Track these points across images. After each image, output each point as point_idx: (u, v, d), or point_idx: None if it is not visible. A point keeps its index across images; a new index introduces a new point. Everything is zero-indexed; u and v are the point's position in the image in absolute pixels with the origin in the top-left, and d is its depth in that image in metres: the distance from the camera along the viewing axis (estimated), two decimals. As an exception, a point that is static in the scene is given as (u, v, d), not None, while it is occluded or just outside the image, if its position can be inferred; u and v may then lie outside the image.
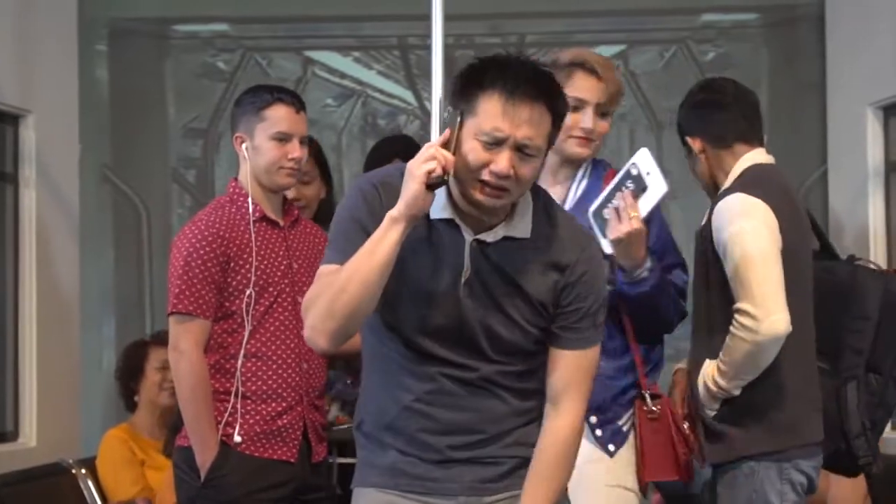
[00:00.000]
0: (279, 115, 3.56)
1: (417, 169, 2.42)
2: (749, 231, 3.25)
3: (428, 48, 3.88)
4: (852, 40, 5.62)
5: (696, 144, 3.51)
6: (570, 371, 2.61)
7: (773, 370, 3.25)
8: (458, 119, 2.49)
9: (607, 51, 6.26)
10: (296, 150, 3.55)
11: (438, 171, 2.42)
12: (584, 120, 3.31)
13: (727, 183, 3.42)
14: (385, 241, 2.44)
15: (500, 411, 2.59)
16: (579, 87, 3.31)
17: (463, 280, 2.54)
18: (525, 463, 2.62)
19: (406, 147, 4.35)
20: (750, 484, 3.27)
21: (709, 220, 3.39)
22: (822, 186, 5.91)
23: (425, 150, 2.44)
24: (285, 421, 3.49)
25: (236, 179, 3.63)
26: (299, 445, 3.51)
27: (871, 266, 3.60)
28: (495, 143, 2.45)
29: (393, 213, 2.44)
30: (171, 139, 6.40)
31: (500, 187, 2.47)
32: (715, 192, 3.47)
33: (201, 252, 3.45)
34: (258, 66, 6.45)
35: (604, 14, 6.29)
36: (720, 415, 3.30)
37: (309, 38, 6.54)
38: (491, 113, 2.45)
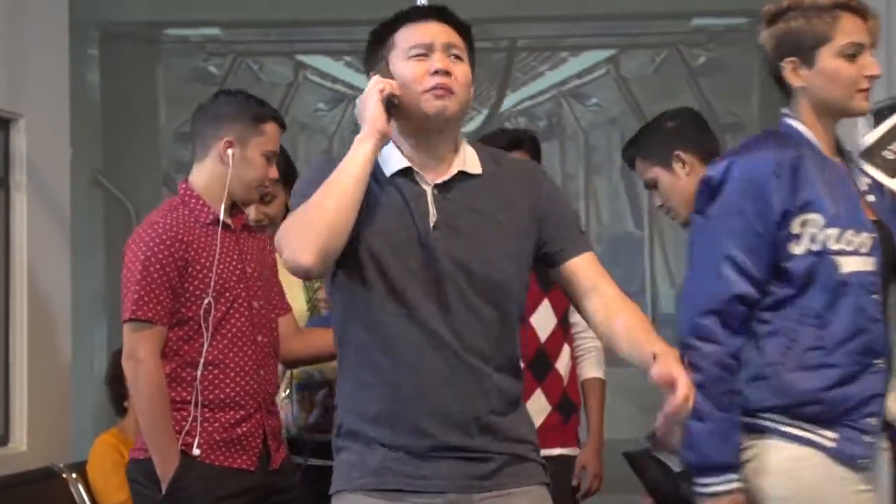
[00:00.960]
0: (274, 134, 3.52)
1: (369, 93, 2.57)
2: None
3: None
4: (843, 45, 5.63)
5: (683, 156, 3.54)
6: (592, 269, 2.67)
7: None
8: (383, 62, 2.64)
9: (599, 55, 6.29)
10: (275, 172, 3.52)
11: (389, 89, 2.55)
12: (868, 66, 3.11)
13: None
14: (356, 155, 2.53)
15: (484, 388, 2.58)
16: (850, 30, 3.10)
17: (431, 225, 2.57)
18: (515, 460, 2.62)
19: None
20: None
21: None
22: (813, 191, 5.92)
23: (369, 85, 2.60)
24: (245, 429, 3.41)
25: (187, 181, 3.55)
26: (259, 453, 3.43)
27: None
28: (424, 52, 2.59)
29: (358, 136, 2.56)
30: (162, 143, 6.41)
31: (445, 86, 2.56)
32: (685, 214, 3.50)
33: (160, 256, 3.34)
34: (249, 71, 6.47)
35: (595, 18, 6.30)
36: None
37: (300, 43, 6.55)
38: (408, 35, 2.63)
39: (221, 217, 3.45)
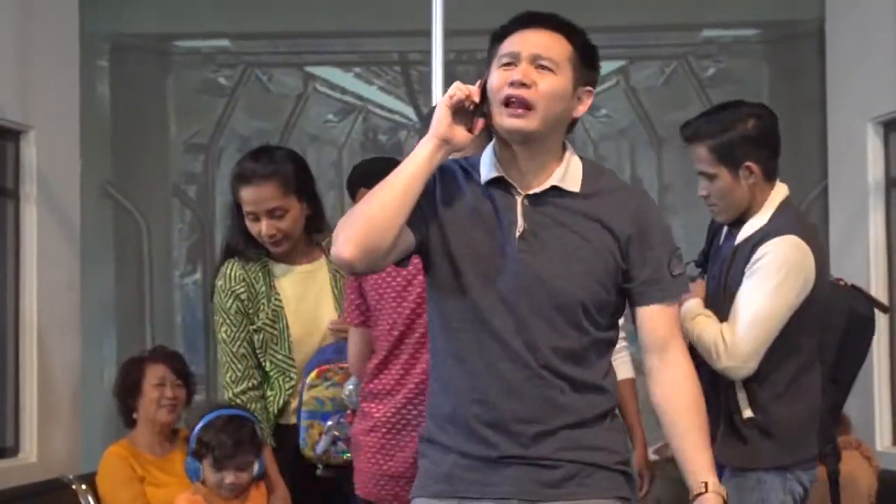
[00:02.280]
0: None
1: (442, 97, 2.56)
2: (785, 284, 3.32)
3: (429, 64, 3.89)
4: (852, 56, 5.63)
5: (754, 169, 3.53)
6: (664, 324, 2.63)
7: (813, 391, 3.41)
8: (487, 70, 2.60)
9: (608, 66, 6.28)
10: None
11: (459, 95, 2.53)
12: None
13: (764, 213, 3.48)
14: (413, 157, 2.54)
15: (557, 403, 2.57)
16: None
17: (517, 235, 2.56)
18: (583, 470, 2.59)
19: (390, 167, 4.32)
20: (757, 493, 3.32)
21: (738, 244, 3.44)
22: (823, 202, 5.92)
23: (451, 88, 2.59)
24: None
25: None
26: None
27: (835, 280, 3.66)
28: (511, 62, 2.55)
29: (422, 139, 2.56)
30: (171, 155, 6.41)
31: (520, 99, 2.52)
32: (737, 218, 3.51)
33: None
34: (259, 82, 6.47)
35: (605, 30, 6.30)
36: (753, 421, 3.36)
37: (310, 54, 6.55)
38: (507, 43, 2.59)
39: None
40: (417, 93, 6.30)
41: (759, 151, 3.55)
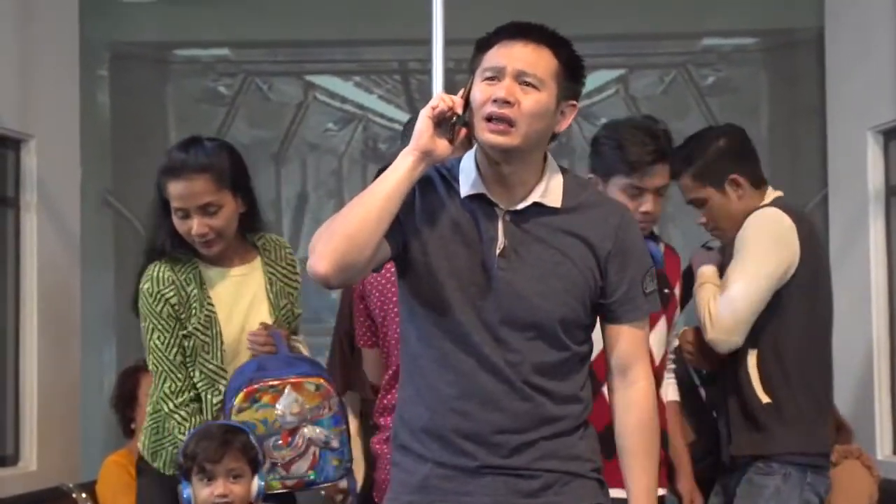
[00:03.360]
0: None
1: (424, 109, 2.54)
2: (764, 255, 3.36)
3: (428, 73, 3.90)
4: (851, 64, 5.63)
5: (739, 181, 3.59)
6: (633, 344, 2.66)
7: (820, 374, 3.58)
8: (470, 79, 2.59)
9: (608, 75, 6.29)
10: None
11: (442, 107, 2.51)
12: None
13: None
14: (394, 171, 2.52)
15: (537, 415, 2.58)
16: None
17: (497, 252, 2.56)
18: (562, 478, 2.61)
19: None
20: (774, 482, 3.46)
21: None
22: (823, 210, 5.92)
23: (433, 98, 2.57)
24: None
25: None
26: None
27: None
28: (495, 76, 2.53)
29: (403, 151, 2.54)
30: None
31: (502, 117, 2.50)
32: (732, 235, 3.56)
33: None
34: (259, 91, 6.47)
35: (604, 38, 6.31)
36: (768, 408, 3.43)
37: (310, 63, 6.56)
38: (490, 55, 2.57)
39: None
40: (417, 101, 6.30)
41: (738, 163, 3.63)
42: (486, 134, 2.53)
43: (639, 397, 2.66)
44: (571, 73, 2.61)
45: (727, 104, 6.33)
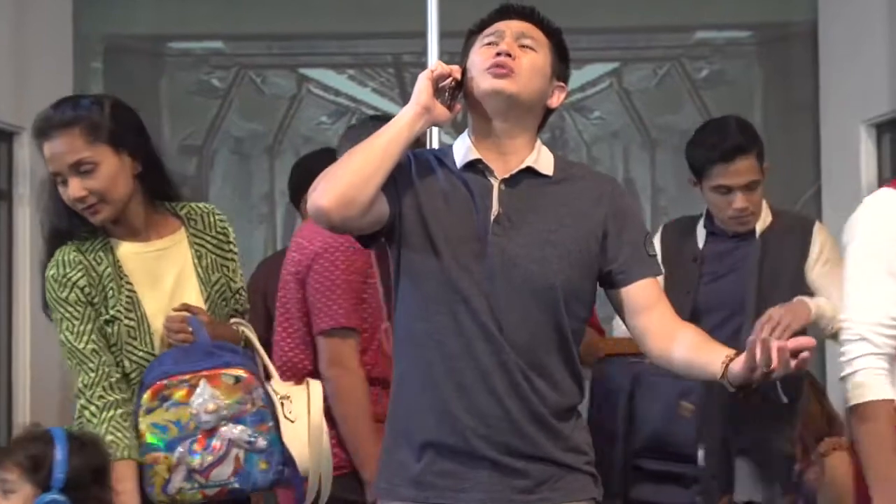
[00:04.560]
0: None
1: (423, 72, 2.64)
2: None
3: (423, 66, 3.89)
4: (845, 58, 5.64)
5: (765, 168, 3.70)
6: (653, 292, 2.66)
7: None
8: (464, 61, 2.67)
9: (601, 68, 6.29)
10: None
11: (441, 70, 2.60)
12: None
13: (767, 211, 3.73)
14: (395, 121, 2.61)
15: (530, 390, 2.58)
16: None
17: (492, 219, 2.58)
18: (562, 471, 2.60)
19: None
20: None
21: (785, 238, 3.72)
22: (816, 204, 5.92)
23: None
24: None
25: None
26: None
27: None
28: (495, 40, 2.62)
29: (405, 107, 2.63)
30: (165, 156, 6.39)
31: (504, 64, 2.58)
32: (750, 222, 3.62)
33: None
34: (253, 84, 6.46)
35: (597, 31, 6.31)
36: None
37: (303, 56, 6.55)
38: (488, 29, 2.66)
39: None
40: (411, 95, 6.30)
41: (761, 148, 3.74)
42: (487, 81, 2.60)
43: (680, 324, 2.64)
44: (560, 54, 2.70)
45: (721, 97, 6.33)
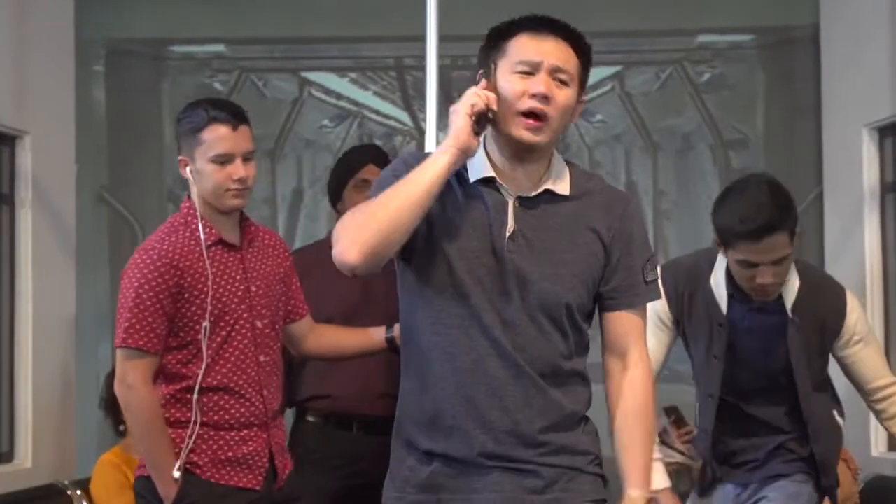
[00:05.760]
0: (216, 136, 3.38)
1: (461, 106, 2.52)
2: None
3: (424, 69, 3.89)
4: (847, 62, 5.63)
5: (799, 234, 3.63)
6: (632, 329, 2.67)
7: None
8: (493, 67, 2.59)
9: (603, 72, 6.28)
10: (239, 170, 3.38)
11: (481, 105, 2.51)
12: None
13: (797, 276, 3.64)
14: (431, 165, 2.51)
15: (541, 403, 2.59)
16: None
17: (507, 235, 2.57)
18: (565, 474, 2.61)
19: (378, 154, 4.37)
20: None
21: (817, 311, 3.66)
22: (818, 208, 5.92)
23: (467, 94, 2.54)
24: (250, 448, 3.39)
25: (189, 199, 3.47)
26: (265, 471, 3.41)
27: None
28: (530, 70, 2.55)
29: (440, 147, 2.54)
30: (167, 160, 6.40)
31: (540, 114, 2.53)
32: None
33: (153, 283, 3.31)
34: (254, 87, 6.46)
35: (599, 35, 6.26)
36: None
37: (305, 60, 6.55)
38: (521, 46, 2.57)
39: (223, 237, 3.43)
40: (412, 98, 6.29)
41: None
42: (520, 130, 2.55)
43: (639, 380, 2.66)
44: (586, 69, 2.65)
45: (723, 101, 6.33)
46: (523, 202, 2.61)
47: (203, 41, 6.53)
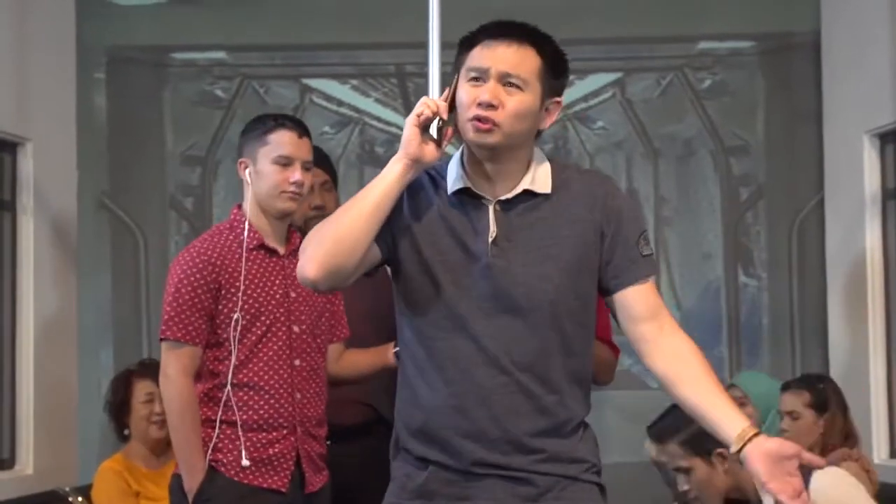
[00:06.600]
0: (281, 140, 3.55)
1: (410, 115, 2.56)
2: None
3: (425, 76, 3.89)
4: (848, 68, 5.64)
5: (725, 454, 3.57)
6: (651, 296, 2.62)
7: None
8: (455, 77, 2.61)
9: (604, 78, 6.29)
10: (297, 174, 3.53)
11: (427, 113, 2.54)
12: None
13: None
14: (381, 178, 2.55)
15: (533, 408, 2.57)
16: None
17: (490, 240, 2.57)
18: (560, 482, 2.59)
19: None
20: None
21: None
22: (819, 214, 5.92)
23: (418, 103, 2.58)
24: (277, 450, 3.46)
25: (240, 206, 3.61)
26: (291, 475, 3.47)
27: None
28: (480, 77, 2.55)
29: (392, 158, 2.56)
30: (168, 166, 6.41)
31: (486, 119, 2.53)
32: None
33: (192, 279, 3.45)
34: (256, 94, 6.47)
35: (600, 42, 6.31)
36: None
37: (306, 66, 6.55)
38: (475, 54, 2.58)
39: (266, 242, 3.54)
40: (414, 105, 6.29)
41: None
42: (471, 134, 2.56)
43: (688, 345, 2.60)
44: (555, 70, 2.61)
45: (724, 108, 6.33)
46: (503, 206, 2.60)
47: (204, 48, 6.54)
